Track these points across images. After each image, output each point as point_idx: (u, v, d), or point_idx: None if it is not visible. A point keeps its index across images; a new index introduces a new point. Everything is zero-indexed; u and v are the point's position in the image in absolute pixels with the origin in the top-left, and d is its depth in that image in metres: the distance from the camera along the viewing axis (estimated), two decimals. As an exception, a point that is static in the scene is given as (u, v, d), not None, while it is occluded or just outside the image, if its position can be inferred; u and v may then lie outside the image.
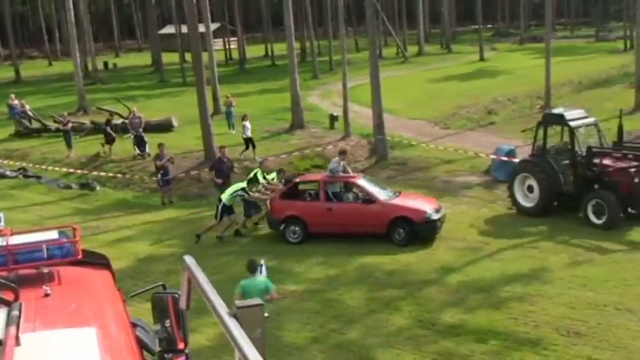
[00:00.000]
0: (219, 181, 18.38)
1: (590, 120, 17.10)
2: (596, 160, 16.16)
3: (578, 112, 17.20)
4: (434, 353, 10.51)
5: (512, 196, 17.26)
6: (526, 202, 16.99)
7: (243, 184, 16.92)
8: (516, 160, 18.79)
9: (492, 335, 10.90)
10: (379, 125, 24.29)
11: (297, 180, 17.08)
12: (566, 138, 16.88)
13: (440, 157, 23.54)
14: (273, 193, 16.74)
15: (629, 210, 15.88)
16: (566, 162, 16.57)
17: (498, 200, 18.27)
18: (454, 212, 17.40)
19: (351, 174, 17.25)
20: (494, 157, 20.52)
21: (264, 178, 17.42)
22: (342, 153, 17.68)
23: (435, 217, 15.54)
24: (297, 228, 16.14)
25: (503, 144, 21.73)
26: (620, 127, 16.93)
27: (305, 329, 11.54)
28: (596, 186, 15.87)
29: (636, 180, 15.61)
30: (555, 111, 18.01)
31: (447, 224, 16.12)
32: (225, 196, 16.74)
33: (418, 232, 15.41)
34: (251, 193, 16.77)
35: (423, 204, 16.14)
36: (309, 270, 14.31)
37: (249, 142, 24.48)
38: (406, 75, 44.54)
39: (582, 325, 10.95)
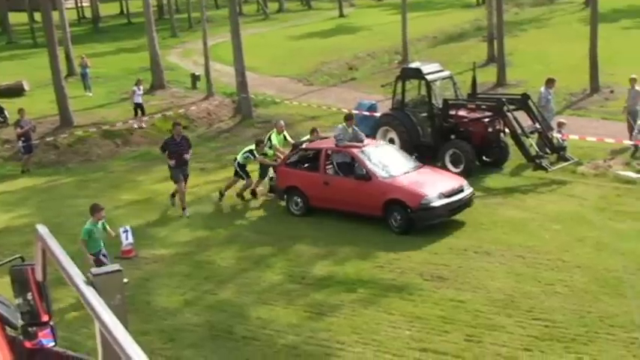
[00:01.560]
0: (173, 162, 15.11)
1: (446, 73, 17.74)
2: (452, 112, 16.85)
3: (434, 66, 17.80)
4: (305, 306, 10.74)
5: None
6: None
7: (252, 146, 15.79)
8: (377, 115, 19.25)
9: (360, 284, 11.26)
10: (242, 83, 24.10)
11: (303, 147, 15.45)
12: (424, 91, 17.46)
13: (304, 113, 23.72)
14: (279, 160, 15.46)
15: (484, 158, 16.75)
16: (424, 114, 17.16)
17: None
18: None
19: (360, 143, 14.58)
20: (356, 112, 20.90)
21: (278, 140, 16.08)
22: (349, 118, 15.21)
23: (438, 202, 13.01)
24: (299, 200, 14.64)
25: (364, 99, 22.17)
26: (474, 80, 17.71)
27: (177, 293, 11.44)
28: (452, 136, 16.58)
29: (490, 130, 16.44)
30: (412, 65, 18.58)
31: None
32: (239, 156, 15.73)
33: (414, 219, 13.10)
34: (257, 156, 15.56)
35: (429, 185, 13.46)
36: (176, 233, 14.12)
37: (138, 108, 23.63)
38: (267, 32, 44.26)
39: (445, 269, 11.53)
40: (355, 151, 14.23)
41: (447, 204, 13.18)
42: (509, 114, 16.17)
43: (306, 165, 15.15)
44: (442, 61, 20.49)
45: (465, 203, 13.57)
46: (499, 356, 9.06)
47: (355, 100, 22.33)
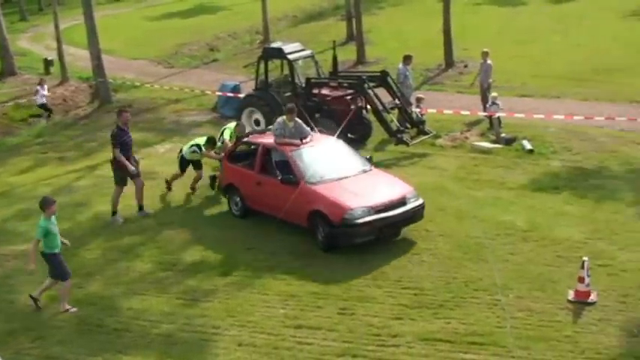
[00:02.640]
0: (122, 156, 13.16)
1: (307, 52, 17.89)
2: (315, 91, 17.03)
3: (295, 46, 17.89)
4: (178, 293, 10.58)
5: (241, 130, 17.58)
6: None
7: (202, 140, 14.44)
8: (241, 96, 19.14)
9: (233, 267, 11.22)
10: (99, 67, 23.22)
11: (245, 140, 13.81)
12: (286, 71, 17.52)
13: (166, 97, 23.21)
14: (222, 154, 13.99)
15: (349, 135, 17.05)
16: (288, 94, 17.23)
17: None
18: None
19: (303, 139, 12.64)
20: (220, 93, 20.70)
21: (231, 136, 14.39)
22: (290, 111, 12.94)
23: (365, 218, 11.05)
24: (237, 199, 13.10)
25: (227, 80, 21.98)
26: (335, 58, 17.96)
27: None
28: (317, 115, 16.77)
29: (352, 107, 16.76)
30: (274, 45, 18.59)
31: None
32: (185, 148, 14.55)
33: (336, 235, 11.19)
34: (204, 150, 14.23)
35: (362, 195, 11.42)
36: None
37: (42, 108, 22.14)
38: (122, 13, 42.84)
39: (315, 247, 11.66)
40: (288, 149, 12.36)
41: (378, 220, 11.17)
42: (370, 91, 16.54)
43: (245, 161, 13.54)
44: (303, 41, 20.69)
45: (409, 218, 11.62)
46: (372, 327, 9.32)
47: (218, 82, 22.09)
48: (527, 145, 15.96)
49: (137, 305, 10.31)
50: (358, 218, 11.10)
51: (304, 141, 12.67)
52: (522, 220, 12.22)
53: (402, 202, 11.58)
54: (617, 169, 14.58)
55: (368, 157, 13.04)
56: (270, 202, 12.34)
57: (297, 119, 12.95)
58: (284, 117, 12.93)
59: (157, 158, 17.26)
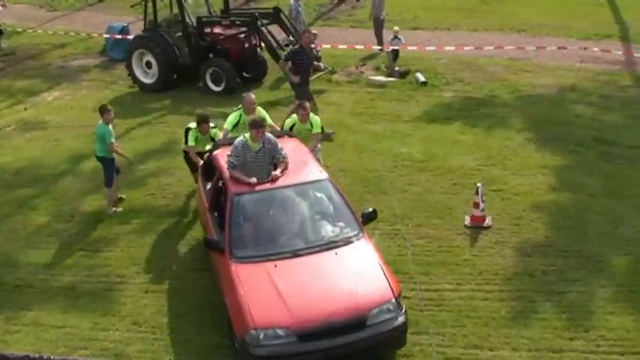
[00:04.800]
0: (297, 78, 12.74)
1: (196, -10, 17.39)
2: (208, 30, 16.64)
3: (183, -18, 17.31)
4: (79, 244, 10.32)
5: (131, 74, 17.05)
6: (146, 79, 16.95)
7: (193, 123, 10.71)
8: (130, 37, 18.47)
9: (134, 215, 11.01)
10: (-26, 13, 21.74)
11: (215, 153, 9.55)
12: (176, 10, 16.99)
13: (51, 41, 22.09)
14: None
15: (244, 74, 16.85)
16: (180, 34, 16.77)
17: (119, 80, 17.93)
18: (75, 98, 16.77)
19: (269, 176, 8.64)
20: (107, 36, 19.88)
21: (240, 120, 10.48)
22: (254, 126, 8.81)
23: (273, 349, 6.96)
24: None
25: (115, 22, 21.08)
26: (226, -5, 17.54)
27: None
28: (211, 55, 16.44)
29: (246, 45, 16.51)
30: (161, -17, 17.92)
31: (69, 112, 15.48)
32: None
33: (239, 352, 7.24)
34: (189, 142, 10.61)
35: (292, 300, 7.23)
36: None
37: None
38: (-4, -46, 40.16)
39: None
40: (232, 190, 8.41)
41: (304, 353, 7.02)
42: (263, 28, 16.32)
43: (209, 184, 9.68)
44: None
45: (367, 349, 7.23)
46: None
47: (105, 24, 21.17)
48: (421, 78, 16.27)
49: (37, 259, 10.00)
50: (263, 346, 6.98)
51: (272, 176, 8.58)
52: (418, 151, 12.54)
53: (359, 322, 7.15)
54: (506, 98, 15.11)
55: (370, 210, 8.63)
56: (213, 262, 8.70)
57: (269, 136, 8.93)
58: (246, 135, 8.88)
59: (45, 106, 16.53)
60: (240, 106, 10.56)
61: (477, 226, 10.03)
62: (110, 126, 10.90)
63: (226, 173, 8.71)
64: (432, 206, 10.66)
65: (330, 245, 7.96)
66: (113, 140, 10.85)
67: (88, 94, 17.24)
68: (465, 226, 10.06)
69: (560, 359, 7.59)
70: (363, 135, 13.39)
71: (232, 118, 10.46)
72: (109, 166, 10.98)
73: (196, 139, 10.50)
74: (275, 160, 8.88)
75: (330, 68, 17.02)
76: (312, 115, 10.55)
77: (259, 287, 7.43)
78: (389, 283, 7.49)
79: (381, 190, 11.20)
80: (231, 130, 10.33)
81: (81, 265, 9.79)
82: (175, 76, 16.95)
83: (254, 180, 8.51)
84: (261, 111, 10.49)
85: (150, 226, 10.67)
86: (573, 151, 12.31)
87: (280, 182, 8.54)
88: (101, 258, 9.93)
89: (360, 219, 8.39)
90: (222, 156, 9.11)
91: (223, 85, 16.07)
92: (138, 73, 16.94)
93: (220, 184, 9.03)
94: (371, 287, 7.44)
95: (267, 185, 8.53)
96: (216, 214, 8.96)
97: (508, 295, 8.62)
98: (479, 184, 10.16)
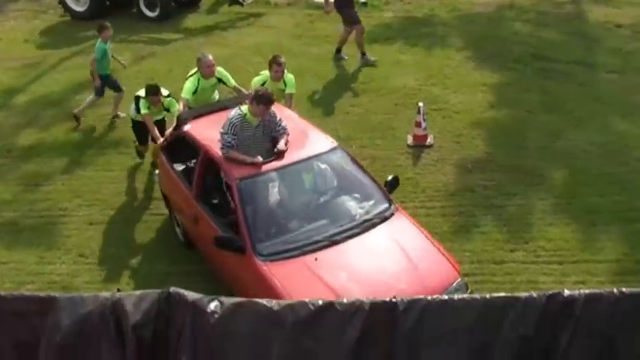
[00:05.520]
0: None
1: None
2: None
3: None
4: (17, 179, 10.09)
5: (62, 2, 16.36)
6: (78, 7, 16.28)
7: (141, 91, 9.42)
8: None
9: (73, 147, 10.79)
10: None
11: (186, 128, 8.10)
12: None
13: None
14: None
15: (180, -1, 16.36)
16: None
17: (49, 10, 17.19)
18: (4, 30, 16.08)
19: (271, 154, 7.35)
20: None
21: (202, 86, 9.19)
22: (261, 100, 7.36)
23: None
24: (177, 222, 8.53)
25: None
26: None
27: None
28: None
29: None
30: None
31: (-1, 43, 14.88)
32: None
33: None
34: (143, 110, 9.25)
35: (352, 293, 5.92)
36: None
37: None
38: None
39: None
40: (235, 174, 7.13)
41: None
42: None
43: (184, 165, 8.47)
44: None
45: None
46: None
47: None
48: (361, -2, 16.08)
49: (-26, 197, 9.77)
50: None
51: (277, 151, 7.32)
52: (360, 73, 12.49)
53: None
54: (446, 17, 15.07)
55: (391, 177, 7.68)
56: (213, 259, 7.45)
57: (273, 111, 7.58)
58: (242, 107, 7.53)
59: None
60: (195, 69, 9.18)
61: (420, 145, 10.15)
62: (108, 44, 11.00)
63: (217, 154, 7.35)
64: (375, 127, 10.72)
65: (367, 225, 6.95)
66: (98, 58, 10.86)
67: (16, 25, 16.53)
68: (408, 146, 10.17)
69: (502, 270, 7.86)
70: (305, 58, 13.24)
71: (190, 84, 9.04)
72: (110, 81, 11.20)
73: (149, 108, 9.22)
74: (275, 134, 7.52)
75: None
76: (286, 72, 9.26)
77: (307, 288, 6.13)
78: (449, 262, 6.80)
79: (324, 112, 11.17)
80: (191, 98, 9.05)
81: (21, 201, 9.59)
82: (108, 3, 16.35)
83: (259, 159, 7.18)
84: (222, 72, 9.30)
85: (90, 158, 10.48)
86: (511, 68, 12.44)
87: (288, 158, 7.26)
88: (42, 192, 9.75)
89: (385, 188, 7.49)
90: (201, 132, 7.84)
91: (158, 10, 15.59)
92: (69, 1, 16.26)
93: (203, 165, 7.63)
94: (434, 269, 6.63)
95: (276, 163, 7.20)
96: (209, 205, 7.62)
97: (450, 211, 8.83)
98: (420, 104, 10.23)
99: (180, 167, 8.38)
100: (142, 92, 9.33)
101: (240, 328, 3.70)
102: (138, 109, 9.33)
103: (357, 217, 7.06)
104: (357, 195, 7.34)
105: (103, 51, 10.89)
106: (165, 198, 8.78)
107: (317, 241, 6.72)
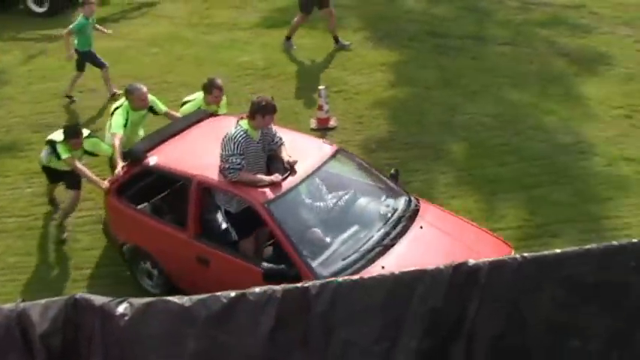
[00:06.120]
0: None
1: None
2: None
3: None
4: None
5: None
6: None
7: (58, 134, 8.32)
8: None
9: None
10: None
11: (151, 162, 7.30)
12: None
13: None
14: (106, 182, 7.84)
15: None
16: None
17: None
18: None
19: (283, 168, 6.87)
20: None
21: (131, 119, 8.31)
22: (264, 111, 6.87)
23: None
24: (154, 270, 7.54)
25: None
26: None
27: None
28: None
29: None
30: None
31: None
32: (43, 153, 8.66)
33: None
34: (64, 155, 8.11)
35: None
36: None
37: None
38: None
39: (51, 116, 11.01)
40: (260, 197, 6.59)
41: None
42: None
43: (154, 204, 7.75)
44: None
45: None
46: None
47: None
48: (255, -17, 15.95)
49: None
50: None
51: (288, 165, 6.86)
52: (260, 59, 12.44)
53: None
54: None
55: (394, 170, 7.68)
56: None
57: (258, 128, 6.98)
58: (241, 123, 6.87)
59: None
60: (121, 101, 8.42)
61: (323, 128, 10.22)
62: (91, 19, 10.95)
63: (217, 181, 6.75)
64: (279, 112, 10.62)
65: (405, 222, 6.83)
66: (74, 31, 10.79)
67: None
68: (312, 129, 10.22)
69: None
70: (202, 46, 13.06)
71: (120, 118, 8.13)
72: (89, 57, 11.06)
73: (70, 152, 8.10)
74: (273, 146, 6.99)
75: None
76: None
77: None
78: (498, 238, 6.98)
79: (226, 101, 11.05)
80: (123, 132, 8.14)
81: None
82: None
83: (279, 177, 6.68)
84: (152, 99, 8.49)
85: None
86: (408, 46, 12.67)
87: (302, 170, 6.84)
88: None
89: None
90: (177, 162, 7.15)
91: (47, 5, 14.99)
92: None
93: (198, 199, 6.89)
94: (490, 249, 6.53)
95: (295, 177, 6.75)
96: (218, 240, 7.03)
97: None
98: (321, 87, 10.29)
99: (148, 208, 7.58)
100: (55, 136, 8.22)
101: (151, 328, 3.65)
102: (57, 155, 8.12)
103: (391, 215, 6.91)
104: (376, 194, 7.24)
105: (81, 26, 10.78)
106: (129, 248, 7.64)
107: (370, 249, 6.54)
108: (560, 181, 9.02)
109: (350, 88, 11.30)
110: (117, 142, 7.89)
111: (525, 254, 4.16)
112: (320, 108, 10.22)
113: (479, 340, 4.09)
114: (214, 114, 8.15)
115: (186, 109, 8.45)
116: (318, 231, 6.75)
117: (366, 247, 6.55)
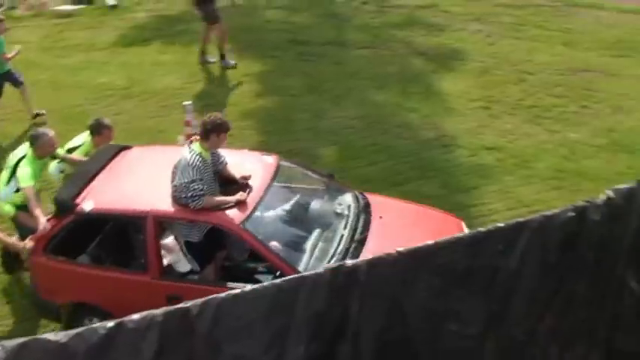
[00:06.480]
0: None
1: None
2: None
3: None
4: None
5: None
6: None
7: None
8: None
9: None
10: None
11: (86, 208, 6.67)
12: None
13: None
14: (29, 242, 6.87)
15: None
16: None
17: None
18: None
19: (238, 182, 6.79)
20: None
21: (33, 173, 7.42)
22: (219, 129, 6.54)
23: None
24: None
25: None
26: None
27: None
28: None
29: None
30: None
31: None
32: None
33: None
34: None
35: None
36: None
37: None
38: None
39: None
40: (231, 219, 6.40)
41: None
42: None
43: (96, 252, 7.13)
44: None
45: None
46: None
47: None
48: (110, 1, 15.57)
49: None
50: None
51: (244, 181, 6.79)
52: (120, 78, 12.14)
53: None
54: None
55: (327, 172, 7.90)
56: None
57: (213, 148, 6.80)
58: (193, 147, 6.55)
59: None
60: (23, 150, 7.61)
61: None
62: (2, 37, 10.38)
63: (175, 212, 6.44)
64: (143, 132, 10.47)
65: (364, 216, 7.01)
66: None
67: None
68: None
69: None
70: (57, 70, 12.59)
71: (29, 169, 7.31)
72: (9, 77, 10.56)
73: None
74: (219, 166, 6.80)
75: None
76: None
77: None
78: (445, 213, 7.52)
79: (85, 125, 10.70)
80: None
81: None
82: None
83: (243, 195, 6.50)
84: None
85: None
86: (271, 56, 12.75)
87: (259, 184, 6.74)
88: None
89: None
90: (119, 201, 6.68)
91: None
92: None
93: (154, 236, 6.48)
94: (450, 227, 6.97)
95: (256, 193, 6.64)
96: (186, 275, 6.72)
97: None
98: (186, 103, 10.16)
99: (86, 259, 6.96)
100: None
101: (27, 370, 3.46)
102: None
103: (349, 212, 7.04)
104: (328, 194, 7.38)
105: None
106: (71, 307, 6.91)
107: (348, 247, 6.59)
108: (428, 174, 9.35)
109: (216, 102, 11.23)
110: (31, 195, 7.14)
111: (400, 249, 4.28)
112: (187, 124, 10.06)
113: (364, 337, 4.16)
114: (127, 147, 7.67)
115: (73, 150, 7.88)
116: (293, 238, 6.76)
117: (342, 246, 6.62)
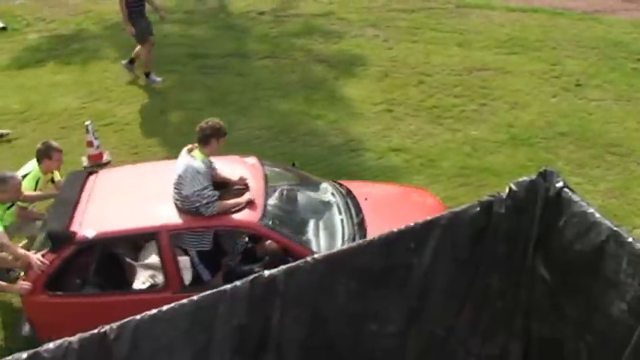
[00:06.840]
0: None
1: None
2: None
3: None
4: None
5: None
6: None
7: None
8: None
9: None
10: None
11: (89, 235, 6.38)
12: None
13: None
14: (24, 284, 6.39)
15: None
16: None
17: None
18: None
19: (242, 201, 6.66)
20: None
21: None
22: (216, 134, 6.68)
23: None
24: None
25: None
26: None
27: None
28: None
29: None
30: None
31: None
32: None
33: None
34: None
35: None
36: None
37: None
38: None
39: None
40: (255, 222, 6.54)
41: None
42: None
43: (96, 279, 6.79)
44: None
45: None
46: None
47: None
48: (-1, 23, 15.01)
49: None
50: None
51: (243, 181, 7.03)
52: (16, 102, 11.71)
53: None
54: (94, 29, 14.68)
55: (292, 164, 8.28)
56: None
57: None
58: (194, 154, 6.62)
59: None
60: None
61: (97, 164, 9.83)
62: None
63: (185, 222, 6.45)
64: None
65: (352, 201, 7.33)
66: None
67: None
68: (85, 168, 9.79)
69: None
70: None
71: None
72: None
73: None
74: (213, 171, 6.85)
75: None
76: None
77: None
78: (419, 189, 8.38)
79: None
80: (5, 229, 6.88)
81: None
82: None
83: (252, 195, 6.68)
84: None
85: None
86: (171, 71, 12.57)
87: (256, 184, 6.93)
88: None
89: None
90: (121, 222, 6.51)
91: None
92: None
93: (170, 250, 6.40)
94: (426, 198, 7.76)
95: (259, 191, 6.82)
96: (199, 284, 6.50)
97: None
98: (87, 122, 9.90)
99: (90, 289, 6.63)
100: None
101: None
102: None
103: (338, 198, 7.35)
104: (311, 185, 7.60)
105: None
106: None
107: (354, 231, 6.79)
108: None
109: (119, 120, 11.00)
110: (6, 241, 6.69)
111: (315, 255, 4.31)
112: (90, 144, 9.82)
113: (287, 346, 4.17)
114: (93, 171, 7.48)
115: (25, 186, 7.31)
116: (303, 228, 6.89)
117: (348, 230, 6.82)
